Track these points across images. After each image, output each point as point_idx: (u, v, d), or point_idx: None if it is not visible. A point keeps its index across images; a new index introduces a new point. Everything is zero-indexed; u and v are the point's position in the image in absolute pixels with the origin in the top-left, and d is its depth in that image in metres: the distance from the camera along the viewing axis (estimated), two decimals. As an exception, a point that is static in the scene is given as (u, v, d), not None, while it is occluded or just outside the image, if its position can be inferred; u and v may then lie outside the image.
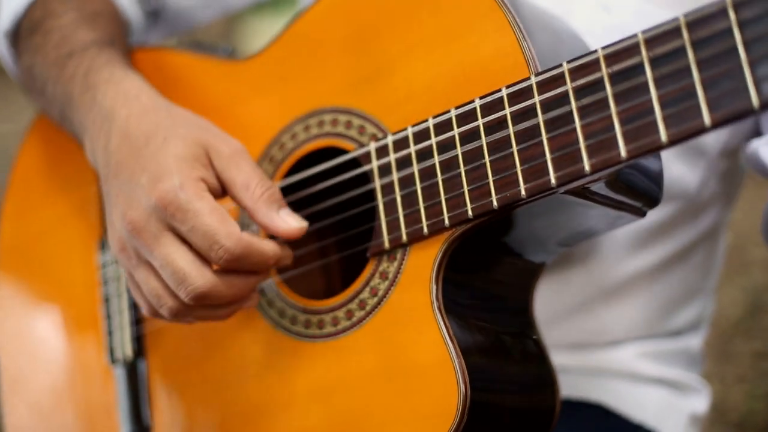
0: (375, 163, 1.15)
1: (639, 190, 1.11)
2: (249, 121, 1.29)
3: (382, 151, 1.14)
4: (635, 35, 0.95)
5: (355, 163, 1.18)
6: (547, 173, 1.01)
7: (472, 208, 1.06)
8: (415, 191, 1.11)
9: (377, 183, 1.14)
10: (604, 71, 0.97)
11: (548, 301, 1.38)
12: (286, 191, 1.24)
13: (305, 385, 1.19)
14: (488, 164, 1.05)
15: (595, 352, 1.48)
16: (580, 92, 0.99)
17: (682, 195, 1.39)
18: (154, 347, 1.38)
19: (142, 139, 1.17)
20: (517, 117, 1.03)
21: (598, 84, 0.97)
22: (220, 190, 1.16)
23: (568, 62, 1.00)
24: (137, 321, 1.40)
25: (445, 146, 1.09)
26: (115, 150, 1.19)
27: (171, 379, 1.36)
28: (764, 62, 0.87)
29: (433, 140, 1.10)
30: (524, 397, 1.17)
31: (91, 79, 1.29)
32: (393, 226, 1.13)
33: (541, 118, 1.02)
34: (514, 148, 1.03)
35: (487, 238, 1.12)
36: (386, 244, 1.13)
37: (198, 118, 1.20)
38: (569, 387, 1.40)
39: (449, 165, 1.08)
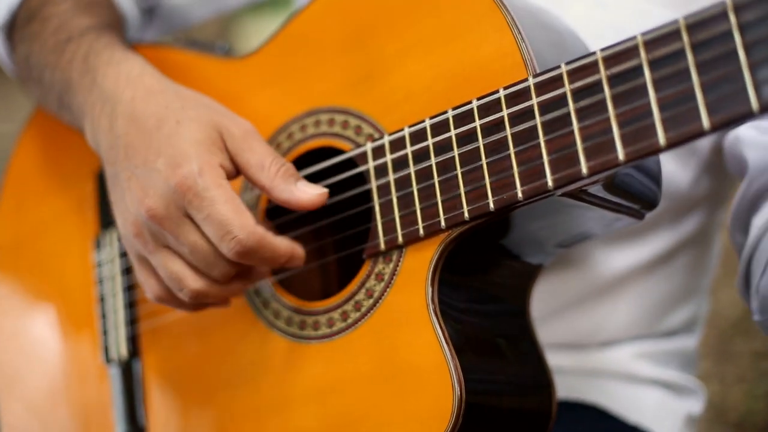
0: (371, 164, 1.14)
1: (637, 193, 1.11)
2: (245, 120, 1.28)
3: (378, 152, 1.14)
4: (634, 37, 0.94)
5: (352, 163, 1.17)
6: (544, 175, 1.00)
7: (468, 210, 1.06)
8: (412, 192, 1.10)
9: (373, 184, 1.14)
10: (603, 73, 0.96)
11: (542, 298, 1.38)
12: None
13: (300, 386, 1.18)
14: (485, 166, 1.05)
15: (591, 353, 1.47)
16: (578, 94, 0.98)
17: (672, 193, 1.38)
18: (149, 347, 1.38)
19: (152, 121, 1.15)
20: (515, 118, 1.03)
21: (597, 86, 0.96)
22: (234, 173, 1.15)
23: (567, 64, 0.99)
24: (132, 320, 1.39)
25: (442, 147, 1.08)
26: (123, 133, 1.18)
27: (166, 379, 1.35)
28: (764, 66, 0.86)
29: (430, 141, 1.09)
30: (520, 399, 1.16)
31: (91, 62, 1.27)
32: (389, 227, 1.12)
33: (538, 119, 1.01)
34: (512, 150, 1.03)
35: (484, 239, 1.12)
36: (382, 246, 1.12)
37: (204, 97, 1.19)
38: (565, 388, 1.40)
39: (446, 166, 1.08)
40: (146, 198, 1.13)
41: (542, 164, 1.00)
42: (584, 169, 0.97)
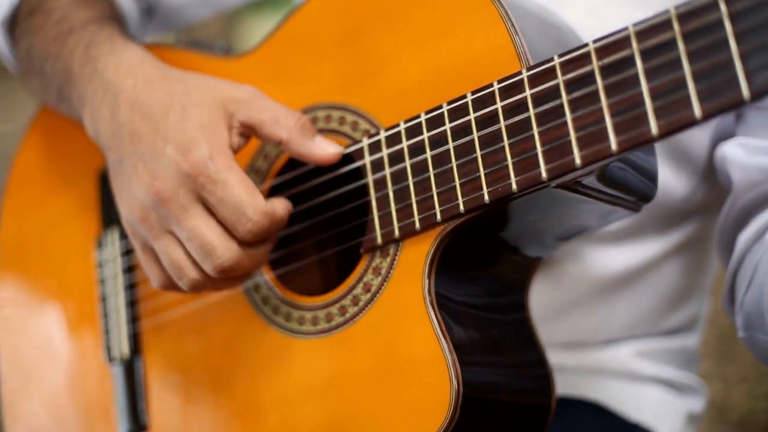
0: (368, 159, 1.15)
1: (632, 186, 1.11)
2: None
3: (374, 147, 1.14)
4: (626, 28, 0.95)
5: (349, 158, 1.18)
6: (538, 166, 1.01)
7: (463, 203, 1.06)
8: (408, 186, 1.11)
9: (370, 178, 1.14)
10: (595, 64, 0.97)
11: (543, 298, 1.38)
12: (280, 188, 1.24)
13: (299, 381, 1.19)
14: (480, 158, 1.05)
15: (592, 351, 1.48)
16: (571, 85, 0.99)
17: (673, 196, 1.39)
18: (151, 345, 1.38)
19: (156, 109, 1.16)
20: (509, 111, 1.03)
21: (589, 77, 0.97)
22: (245, 142, 1.17)
23: (560, 56, 1.00)
24: (134, 319, 1.40)
25: (438, 141, 1.09)
26: (127, 120, 1.19)
27: (167, 377, 1.36)
28: (755, 54, 0.87)
29: (426, 135, 1.10)
30: (519, 393, 1.16)
31: (92, 52, 1.29)
32: (385, 221, 1.12)
33: (532, 111, 1.01)
34: (506, 142, 1.03)
35: (480, 232, 1.12)
36: (379, 240, 1.13)
37: (204, 76, 1.20)
38: (566, 385, 1.40)
39: (441, 160, 1.08)
40: (155, 181, 1.14)
41: (536, 155, 1.01)
42: (578, 160, 0.98)
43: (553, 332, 1.40)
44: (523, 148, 1.02)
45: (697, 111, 0.90)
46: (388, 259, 1.13)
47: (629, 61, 0.95)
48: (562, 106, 0.99)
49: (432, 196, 1.09)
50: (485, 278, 1.17)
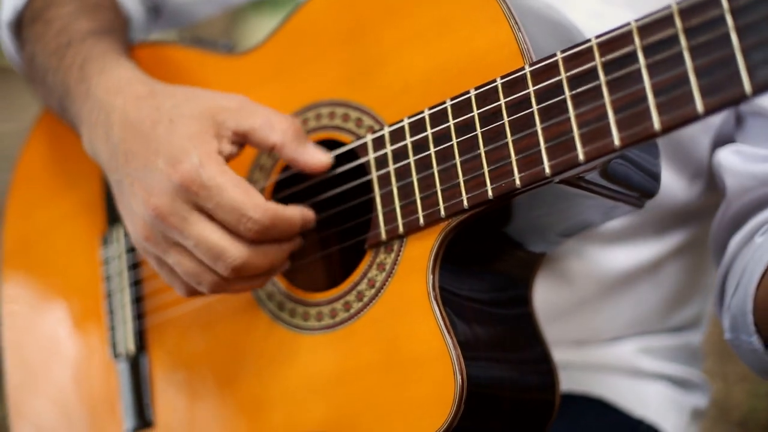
0: (372, 155, 1.15)
1: (635, 182, 1.12)
2: (248, 115, 1.29)
3: (378, 143, 1.15)
4: (628, 23, 0.95)
5: (353, 155, 1.18)
6: (542, 162, 1.01)
7: (467, 199, 1.07)
8: (411, 182, 1.11)
9: (374, 174, 1.15)
10: (598, 60, 0.98)
11: (548, 297, 1.39)
12: (284, 184, 1.25)
13: (304, 377, 1.19)
14: (483, 154, 1.06)
15: (596, 348, 1.48)
16: (573, 81, 0.99)
17: (678, 197, 1.39)
18: (156, 342, 1.39)
19: (146, 124, 1.17)
20: (512, 107, 1.04)
21: (592, 73, 0.98)
22: (237, 150, 1.17)
23: (562, 51, 1.00)
24: (139, 316, 1.41)
25: (441, 137, 1.09)
26: (120, 140, 1.19)
27: (173, 373, 1.36)
28: (757, 49, 0.87)
29: (429, 131, 1.10)
30: (522, 388, 1.17)
31: (87, 70, 1.30)
32: (389, 217, 1.13)
33: (535, 107, 1.02)
34: (509, 138, 1.04)
35: (484, 228, 1.13)
36: (383, 236, 1.14)
37: (193, 89, 1.21)
38: (570, 381, 1.41)
39: (445, 156, 1.09)
40: (151, 197, 1.14)
41: (539, 151, 1.02)
42: (581, 155, 0.99)
43: (558, 330, 1.40)
44: (526, 144, 1.03)
45: (700, 106, 0.91)
46: (393, 255, 1.13)
47: (632, 56, 0.95)
48: (565, 101, 1.00)
49: (436, 192, 1.09)
50: (489, 274, 1.18)
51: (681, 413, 1.50)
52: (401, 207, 1.12)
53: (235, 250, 1.13)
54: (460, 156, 1.08)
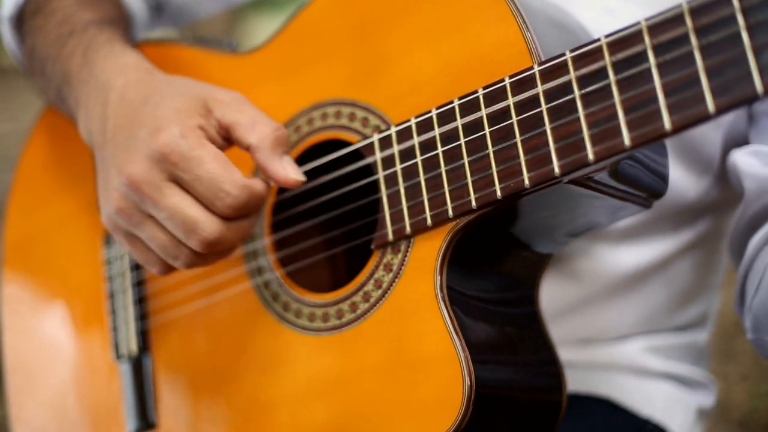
0: (378, 155, 1.15)
1: (643, 181, 1.11)
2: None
3: (385, 143, 1.14)
4: (638, 23, 0.95)
5: (359, 155, 1.17)
6: (551, 162, 1.01)
7: (475, 199, 1.06)
8: (419, 182, 1.11)
9: (381, 174, 1.14)
10: (608, 59, 0.97)
11: (555, 296, 1.38)
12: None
13: (310, 378, 1.19)
14: (491, 154, 1.05)
15: (602, 348, 1.48)
16: (583, 81, 0.99)
17: (685, 197, 1.39)
18: (159, 342, 1.38)
19: (138, 100, 1.16)
20: (521, 106, 1.03)
21: (602, 72, 0.97)
22: (221, 141, 1.15)
23: (571, 51, 1.00)
24: (142, 316, 1.40)
25: (449, 137, 1.09)
26: (112, 114, 1.18)
27: (176, 375, 1.36)
28: (768, 48, 0.87)
29: (437, 131, 1.10)
30: (530, 390, 1.16)
31: (90, 56, 1.29)
32: (397, 217, 1.12)
33: (544, 107, 1.01)
34: (518, 138, 1.03)
35: (492, 228, 1.12)
36: (390, 236, 1.13)
37: (196, 81, 1.20)
38: (576, 381, 1.40)
39: (453, 156, 1.08)
40: (127, 165, 1.13)
41: (549, 151, 1.01)
42: (591, 155, 0.98)
43: (564, 329, 1.40)
44: (535, 143, 1.02)
45: (711, 106, 0.90)
46: (400, 256, 1.13)
47: (642, 56, 0.95)
48: (574, 101, 0.99)
49: (444, 192, 1.09)
50: (496, 274, 1.17)
51: (687, 413, 1.50)
52: (408, 207, 1.12)
53: (210, 224, 1.10)
54: (468, 156, 1.07)
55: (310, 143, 1.23)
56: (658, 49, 0.94)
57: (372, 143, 1.16)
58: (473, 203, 1.06)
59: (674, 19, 0.92)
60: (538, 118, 1.02)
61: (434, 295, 1.09)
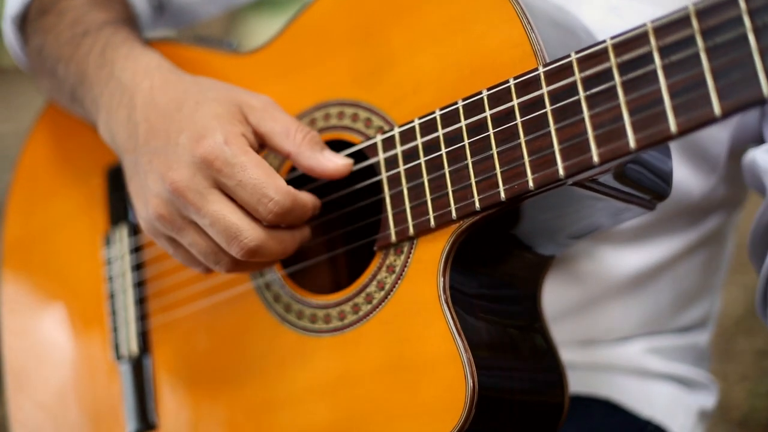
0: (381, 156, 1.14)
1: (647, 183, 1.11)
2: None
3: (388, 144, 1.14)
4: (644, 24, 0.94)
5: (362, 155, 1.17)
6: (555, 164, 1.00)
7: (479, 200, 1.06)
8: (422, 183, 1.10)
9: (384, 175, 1.14)
10: (613, 61, 0.97)
11: (557, 298, 1.38)
12: (292, 184, 1.24)
13: (311, 380, 1.18)
14: (496, 156, 1.05)
15: (603, 349, 1.47)
16: (588, 82, 0.98)
17: (689, 198, 1.39)
18: (160, 343, 1.38)
19: (172, 105, 1.16)
20: (525, 108, 1.03)
21: (607, 74, 0.97)
22: (257, 146, 1.16)
23: (577, 52, 0.99)
24: (142, 317, 1.39)
25: (453, 138, 1.08)
26: (142, 119, 1.18)
27: (177, 375, 1.35)
28: (775, 50, 0.87)
29: (440, 132, 1.09)
30: (533, 391, 1.16)
31: (108, 55, 1.28)
32: (400, 218, 1.12)
33: (549, 108, 1.01)
34: (522, 139, 1.03)
35: (495, 230, 1.12)
36: (393, 237, 1.12)
37: (222, 82, 1.20)
38: (577, 383, 1.40)
39: (456, 157, 1.08)
40: (170, 171, 1.13)
41: (553, 153, 1.01)
42: (595, 157, 0.98)
43: (566, 331, 1.40)
44: (539, 145, 1.02)
45: (717, 108, 0.90)
46: (403, 257, 1.12)
47: (647, 57, 0.94)
48: (579, 103, 0.99)
49: (447, 193, 1.08)
50: (499, 276, 1.17)
51: (688, 414, 1.50)
52: (412, 208, 1.11)
53: (251, 231, 1.11)
54: (471, 157, 1.07)
55: (313, 144, 1.23)
56: (663, 51, 0.93)
57: (375, 144, 1.15)
58: (477, 205, 1.06)
59: (680, 21, 0.92)
60: (543, 120, 1.01)
61: (437, 297, 1.08)
